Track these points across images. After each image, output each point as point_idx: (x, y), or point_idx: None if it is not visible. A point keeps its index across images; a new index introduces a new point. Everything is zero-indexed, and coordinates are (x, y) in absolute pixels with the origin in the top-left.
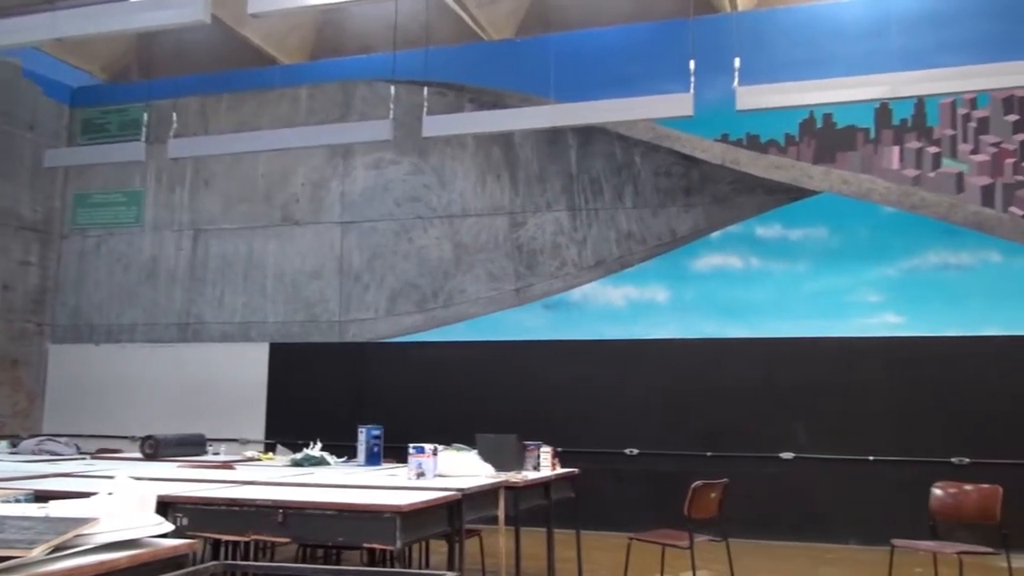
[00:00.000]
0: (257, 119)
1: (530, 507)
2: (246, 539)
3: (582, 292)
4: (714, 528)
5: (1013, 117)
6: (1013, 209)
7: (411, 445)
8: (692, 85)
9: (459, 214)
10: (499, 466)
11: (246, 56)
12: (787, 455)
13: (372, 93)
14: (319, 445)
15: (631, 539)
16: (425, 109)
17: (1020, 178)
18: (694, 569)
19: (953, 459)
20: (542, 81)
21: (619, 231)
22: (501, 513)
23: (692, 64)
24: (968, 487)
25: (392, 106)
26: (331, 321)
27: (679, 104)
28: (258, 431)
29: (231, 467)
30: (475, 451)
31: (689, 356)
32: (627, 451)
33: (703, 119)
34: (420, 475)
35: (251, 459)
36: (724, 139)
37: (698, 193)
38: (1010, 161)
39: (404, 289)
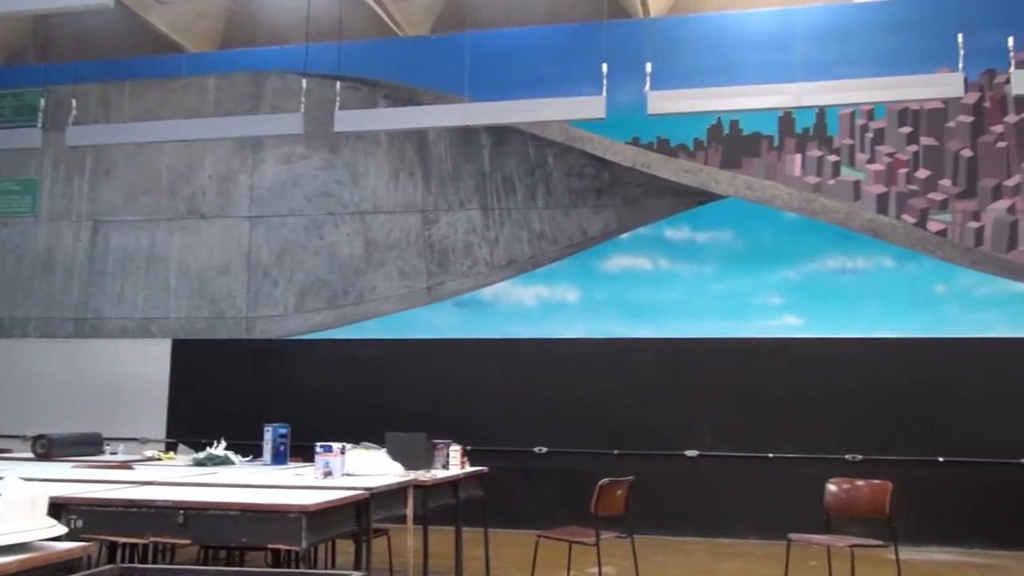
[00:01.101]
0: (162, 108)
1: (439, 506)
2: (144, 541)
3: (493, 291)
4: (620, 525)
5: (907, 129)
6: (905, 217)
7: (318, 444)
8: (605, 88)
9: (371, 211)
10: (408, 465)
11: (151, 43)
12: (691, 453)
13: (283, 85)
14: (223, 444)
15: (539, 537)
16: (337, 104)
17: (913, 187)
18: (600, 565)
19: (847, 456)
20: (457, 79)
21: (531, 231)
22: (409, 512)
23: (605, 68)
24: (860, 483)
25: (304, 99)
26: (238, 317)
27: (592, 107)
28: (159, 430)
29: (130, 467)
30: (384, 450)
31: (598, 356)
32: (536, 450)
33: (615, 122)
34: (327, 474)
35: (151, 459)
36: (635, 142)
37: (609, 195)
38: (903, 171)
39: (314, 286)
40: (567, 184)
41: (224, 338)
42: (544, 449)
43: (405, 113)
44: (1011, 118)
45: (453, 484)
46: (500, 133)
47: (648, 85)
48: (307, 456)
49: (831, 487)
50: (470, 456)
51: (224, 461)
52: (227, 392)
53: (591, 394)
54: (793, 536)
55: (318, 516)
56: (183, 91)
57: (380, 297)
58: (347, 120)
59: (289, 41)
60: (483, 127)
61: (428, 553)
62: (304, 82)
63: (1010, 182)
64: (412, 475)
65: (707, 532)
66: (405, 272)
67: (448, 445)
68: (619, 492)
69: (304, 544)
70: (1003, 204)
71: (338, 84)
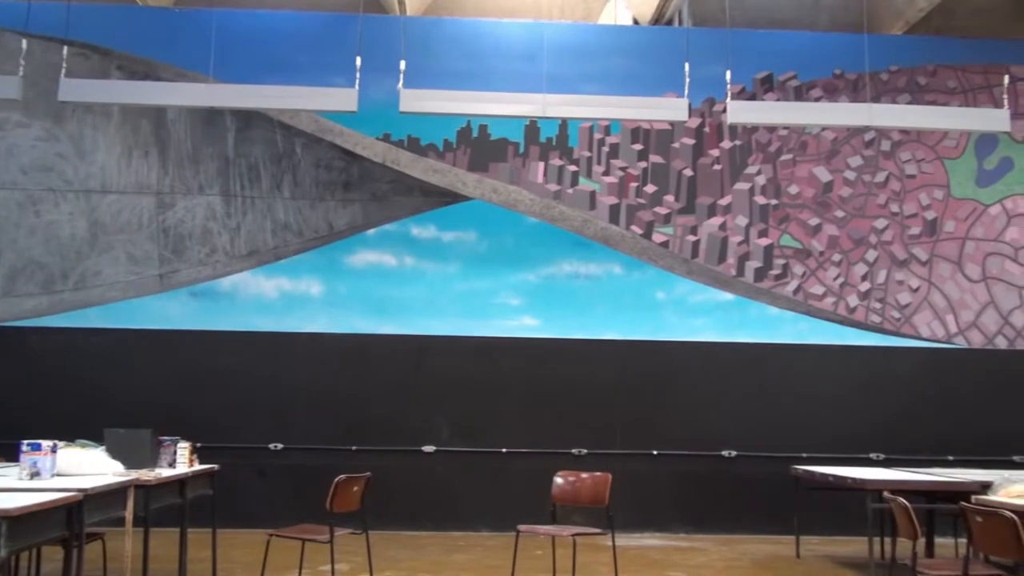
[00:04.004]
0: None
1: (163, 506)
2: None
3: (232, 281)
4: (356, 521)
5: (639, 146)
6: (634, 227)
7: (25, 442)
8: (358, 82)
9: (98, 189)
10: (130, 463)
11: None
12: (429, 448)
13: None
14: None
15: (270, 535)
16: (64, 70)
17: (641, 200)
18: (333, 563)
19: (574, 450)
20: (201, 57)
21: (275, 221)
22: (129, 514)
23: (359, 61)
24: (584, 475)
25: (23, 62)
26: None
27: (344, 99)
28: None
29: None
30: (102, 447)
31: (340, 351)
32: (272, 446)
33: (367, 117)
34: (35, 475)
35: None
36: (386, 138)
37: (357, 189)
38: (634, 184)
39: (27, 268)
40: (315, 176)
41: None
42: (280, 446)
43: (142, 87)
44: (726, 144)
45: (180, 483)
46: (246, 118)
47: (401, 82)
48: (11, 455)
49: (558, 480)
50: (200, 453)
51: None
52: None
53: (331, 389)
54: (521, 527)
55: (21, 521)
56: None
57: (105, 283)
58: (74, 89)
59: None
60: (228, 110)
61: (148, 557)
62: (24, 42)
63: (723, 201)
64: (134, 474)
65: (441, 526)
66: (135, 257)
67: (176, 442)
68: (355, 488)
69: (3, 552)
70: (716, 221)
71: (65, 49)
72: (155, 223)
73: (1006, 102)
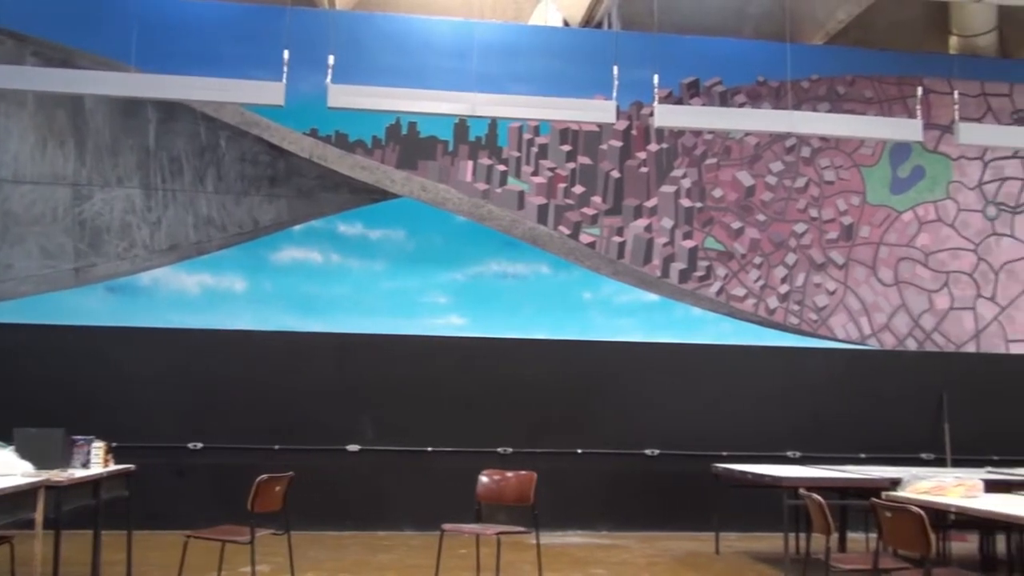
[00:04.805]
0: None
1: (76, 508)
2: None
3: (152, 276)
4: (278, 521)
5: (567, 147)
6: (561, 228)
7: None
8: (285, 75)
9: (9, 179)
10: (40, 464)
11: None
12: (354, 447)
13: None
14: None
15: (188, 537)
16: None
17: (569, 201)
18: (253, 564)
19: (499, 449)
20: (122, 46)
21: (198, 215)
22: (39, 516)
23: (286, 54)
24: (509, 474)
25: None
26: None
27: (270, 92)
28: None
29: None
30: (11, 447)
31: (264, 348)
32: (191, 445)
33: (294, 111)
34: None
35: None
36: (313, 133)
37: (283, 184)
38: (562, 185)
39: None
40: (240, 170)
41: None
42: (200, 445)
43: (60, 75)
44: (653, 147)
45: (94, 484)
46: (169, 109)
47: (330, 77)
48: None
49: (483, 479)
50: (116, 453)
51: None
52: None
53: (254, 388)
54: (446, 526)
55: None
56: None
57: (17, 277)
58: None
59: None
60: (150, 101)
61: (60, 560)
62: None
63: (649, 203)
64: (44, 475)
65: (365, 526)
66: (49, 251)
67: (90, 442)
68: (277, 488)
69: None
70: (642, 223)
71: None
72: (71, 215)
73: (919, 113)
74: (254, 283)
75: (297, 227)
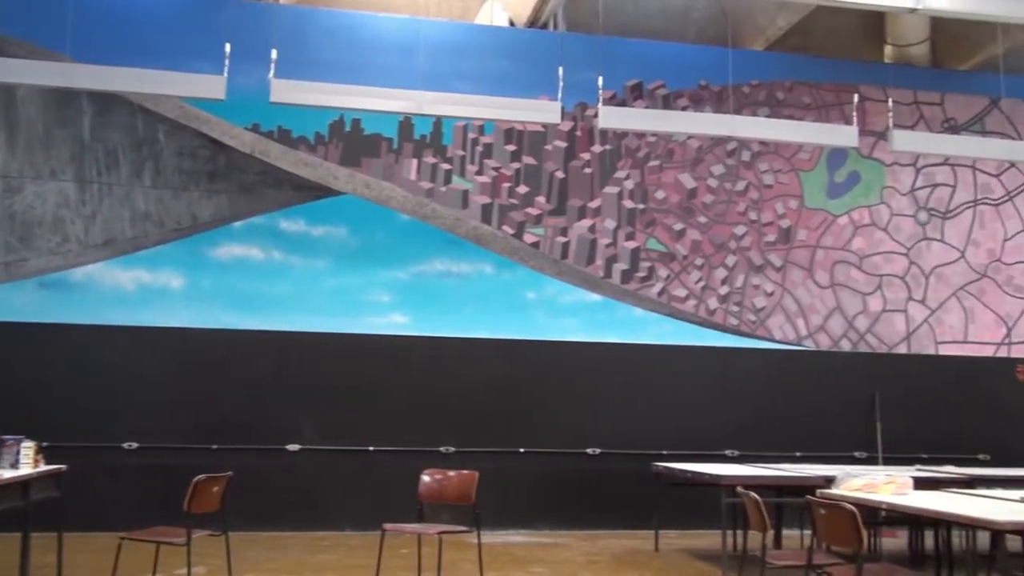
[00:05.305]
0: None
1: (4, 509)
2: None
3: (86, 272)
4: (215, 522)
5: (512, 147)
6: (505, 228)
7: None
8: (226, 69)
9: None
10: None
11: None
12: (294, 447)
13: None
14: None
15: (122, 539)
16: None
17: (513, 201)
18: (189, 566)
19: (442, 448)
20: (57, 35)
21: (135, 210)
22: None
23: (228, 47)
24: (451, 473)
25: None
26: None
27: (211, 86)
28: None
29: None
30: None
31: (202, 346)
32: (125, 445)
33: (235, 105)
34: None
35: None
36: (255, 128)
37: (224, 179)
38: (506, 185)
39: None
40: (178, 164)
41: None
42: (135, 445)
43: None
44: (597, 148)
45: (23, 485)
46: (105, 101)
47: (272, 72)
48: None
49: (425, 478)
50: (47, 453)
51: None
52: None
53: (191, 386)
54: (387, 526)
55: None
56: None
57: None
58: None
59: None
60: (85, 92)
61: None
62: None
63: (593, 204)
64: None
65: (305, 526)
66: None
67: (19, 442)
68: (215, 488)
69: None
70: (586, 223)
71: None
72: (1, 209)
73: (855, 119)
74: (192, 280)
75: (238, 223)
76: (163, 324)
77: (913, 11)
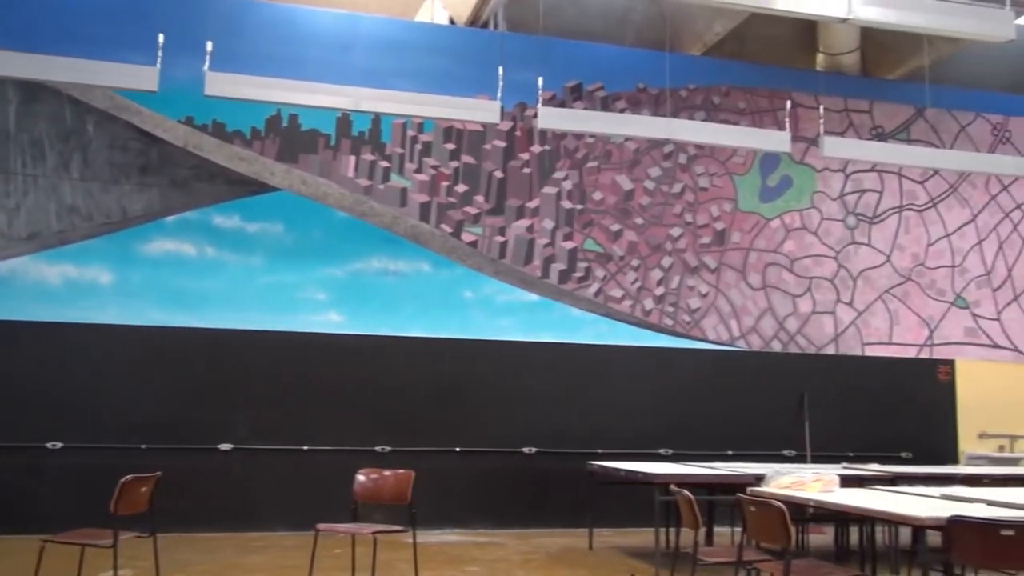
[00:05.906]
0: None
1: None
2: None
3: (10, 266)
4: (143, 524)
5: (451, 146)
6: (444, 226)
7: None
8: (160, 60)
9: None
10: None
11: None
12: (226, 446)
13: None
14: None
15: (45, 541)
16: None
17: (452, 200)
18: (116, 568)
19: (377, 447)
20: None
21: (61, 203)
22: None
23: (161, 38)
24: (387, 472)
25: None
26: None
27: (143, 77)
28: None
29: None
30: None
31: (131, 343)
32: (49, 445)
33: (168, 97)
34: None
35: None
36: (189, 122)
37: (156, 173)
38: (445, 183)
39: None
40: (108, 156)
41: None
42: (59, 444)
43: None
44: (536, 148)
45: None
46: (31, 90)
47: (207, 64)
48: None
49: (360, 477)
50: None
51: None
52: None
53: (119, 384)
54: (320, 526)
55: None
56: None
57: None
58: None
59: None
60: (10, 80)
61: None
62: None
63: (531, 204)
64: None
65: (237, 526)
66: None
67: None
68: (143, 489)
69: None
70: (524, 223)
71: None
72: None
73: (788, 125)
74: (121, 275)
75: (170, 218)
76: (90, 320)
77: (844, 21)
